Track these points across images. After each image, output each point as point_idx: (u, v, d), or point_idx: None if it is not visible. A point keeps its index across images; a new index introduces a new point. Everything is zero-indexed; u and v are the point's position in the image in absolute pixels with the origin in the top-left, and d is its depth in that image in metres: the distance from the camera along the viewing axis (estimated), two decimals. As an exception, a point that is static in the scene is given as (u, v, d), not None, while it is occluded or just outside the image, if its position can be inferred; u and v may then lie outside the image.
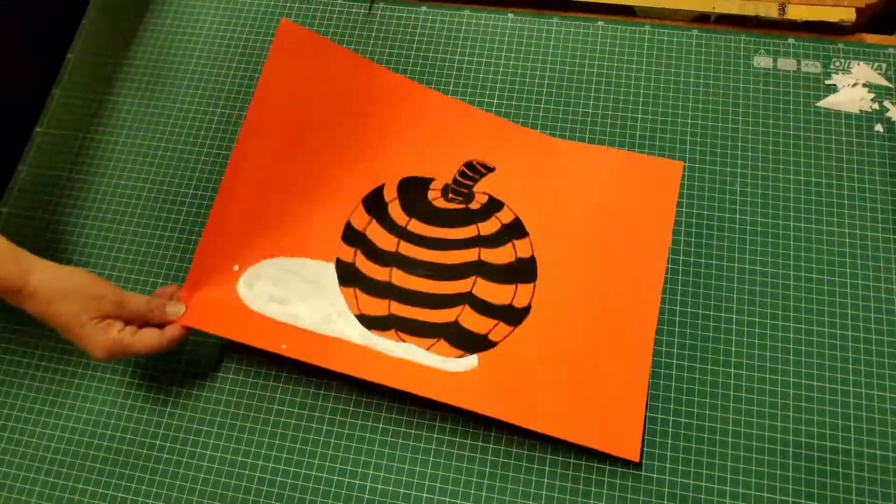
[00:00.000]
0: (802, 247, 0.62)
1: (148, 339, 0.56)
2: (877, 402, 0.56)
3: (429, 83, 0.71)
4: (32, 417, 0.63)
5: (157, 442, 0.60)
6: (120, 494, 0.59)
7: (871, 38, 0.69)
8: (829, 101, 0.66)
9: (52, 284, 0.53)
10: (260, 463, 0.59)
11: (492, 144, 0.66)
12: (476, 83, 0.71)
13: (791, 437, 0.56)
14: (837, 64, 0.68)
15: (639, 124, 0.67)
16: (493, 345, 0.59)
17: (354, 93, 0.65)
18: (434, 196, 0.64)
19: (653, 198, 0.63)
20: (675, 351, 0.59)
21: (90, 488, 0.60)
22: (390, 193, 0.64)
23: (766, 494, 0.54)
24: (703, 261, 0.62)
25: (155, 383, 0.62)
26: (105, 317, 0.55)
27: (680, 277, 0.61)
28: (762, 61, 0.69)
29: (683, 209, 0.64)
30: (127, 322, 0.56)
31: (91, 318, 0.54)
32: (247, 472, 0.59)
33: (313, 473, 0.58)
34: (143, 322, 0.57)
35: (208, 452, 0.60)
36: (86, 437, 0.61)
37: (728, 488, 0.55)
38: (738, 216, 0.63)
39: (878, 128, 0.65)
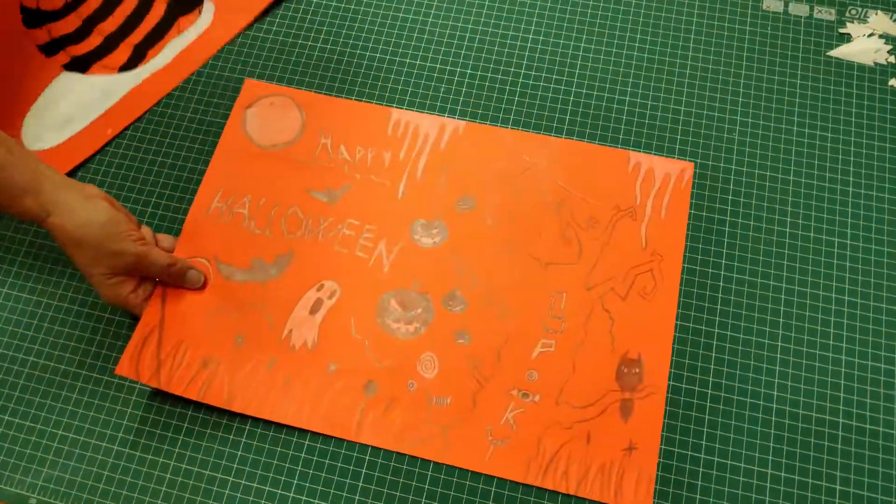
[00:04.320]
0: (802, 203, 0.56)
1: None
2: None
3: (426, 48, 0.66)
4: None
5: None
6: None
7: (891, -13, 0.64)
8: (842, 51, 0.61)
9: (65, 230, 0.50)
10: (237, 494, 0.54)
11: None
12: (467, 55, 0.65)
13: (792, 409, 0.51)
14: (853, 12, 0.62)
15: (644, 65, 0.62)
16: None
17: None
18: None
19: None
20: (691, 313, 0.54)
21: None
22: None
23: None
24: (704, 214, 0.57)
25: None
26: (116, 274, 0.52)
27: (690, 232, 0.56)
28: (772, 4, 0.63)
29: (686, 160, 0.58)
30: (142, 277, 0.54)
31: (101, 273, 0.51)
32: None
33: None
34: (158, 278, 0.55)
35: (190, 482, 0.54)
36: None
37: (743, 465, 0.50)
38: (733, 167, 0.58)
39: (893, 83, 0.60)
